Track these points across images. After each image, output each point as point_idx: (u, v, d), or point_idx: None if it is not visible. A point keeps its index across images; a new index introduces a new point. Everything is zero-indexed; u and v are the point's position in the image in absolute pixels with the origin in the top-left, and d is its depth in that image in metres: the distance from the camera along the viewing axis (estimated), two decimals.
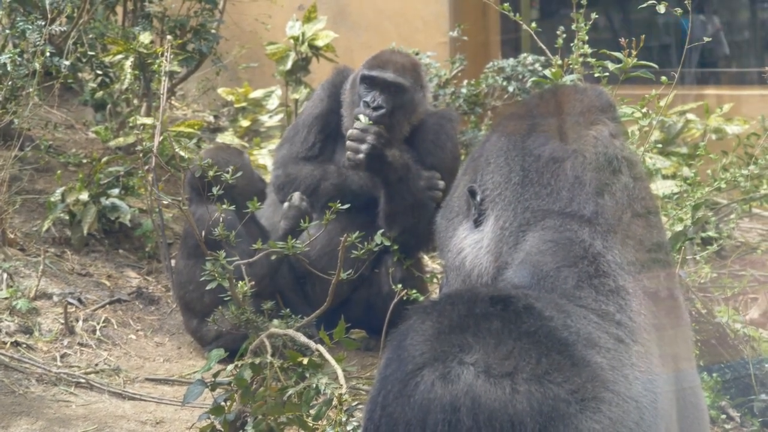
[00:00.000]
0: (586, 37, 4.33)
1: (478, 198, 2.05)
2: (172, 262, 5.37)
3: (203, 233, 4.54)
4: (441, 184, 5.22)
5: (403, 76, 5.21)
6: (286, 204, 5.17)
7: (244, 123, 7.30)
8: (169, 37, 6.10)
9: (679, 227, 4.71)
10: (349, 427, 3.45)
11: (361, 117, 5.07)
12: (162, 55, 5.86)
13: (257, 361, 3.83)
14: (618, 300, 1.85)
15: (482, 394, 1.64)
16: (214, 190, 4.32)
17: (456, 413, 1.64)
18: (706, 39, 4.29)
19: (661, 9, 4.09)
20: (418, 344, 1.71)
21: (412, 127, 5.30)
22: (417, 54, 7.55)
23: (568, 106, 2.04)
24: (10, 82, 5.58)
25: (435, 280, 5.46)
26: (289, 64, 7.53)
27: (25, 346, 4.85)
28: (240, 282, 4.25)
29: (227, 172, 4.35)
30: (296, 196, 5.16)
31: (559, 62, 4.45)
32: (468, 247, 2.05)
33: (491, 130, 2.15)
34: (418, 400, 1.67)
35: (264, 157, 6.72)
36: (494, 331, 1.69)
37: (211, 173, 4.36)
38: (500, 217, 2.00)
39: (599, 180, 1.96)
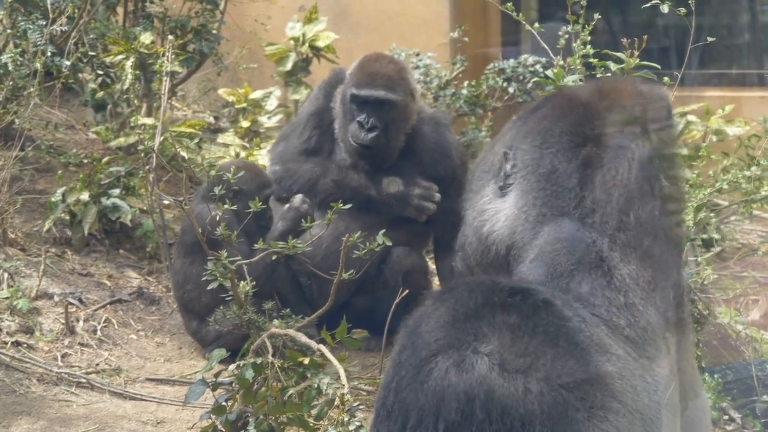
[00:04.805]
0: (589, 38, 4.33)
1: (508, 167, 2.02)
2: (173, 261, 5.37)
3: (203, 232, 4.53)
4: (437, 197, 5.25)
5: (393, 92, 5.19)
6: (286, 206, 5.17)
7: (245, 124, 7.29)
8: (170, 37, 6.09)
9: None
10: (351, 427, 3.44)
11: None
12: (163, 55, 5.85)
13: (259, 361, 3.83)
14: (628, 315, 1.82)
15: (496, 388, 1.63)
16: (216, 189, 4.31)
17: (470, 404, 1.63)
18: (709, 39, 4.29)
19: (665, 9, 4.09)
20: (432, 330, 1.69)
21: (406, 134, 5.31)
22: (417, 55, 7.56)
23: (621, 109, 1.96)
24: (11, 82, 5.58)
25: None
26: (289, 65, 7.54)
27: (25, 345, 4.84)
28: (242, 282, 4.24)
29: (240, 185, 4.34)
30: (298, 198, 5.17)
31: (561, 63, 4.44)
32: (488, 212, 2.02)
33: (549, 99, 2.06)
34: (431, 387, 1.65)
35: (264, 158, 6.71)
36: (511, 324, 1.67)
37: (230, 177, 4.33)
38: (521, 198, 1.97)
39: (627, 198, 1.91)
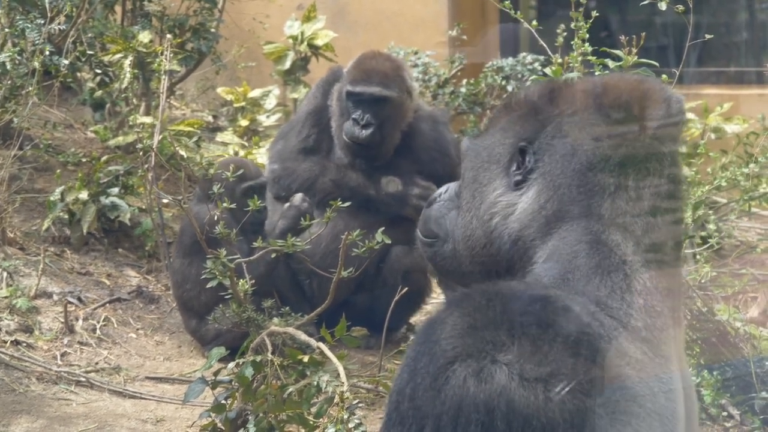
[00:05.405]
0: (587, 35, 4.32)
1: (528, 163, 1.97)
2: (172, 260, 5.37)
3: (201, 231, 4.53)
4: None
5: (388, 88, 5.20)
6: (286, 204, 5.18)
7: (243, 122, 7.29)
8: (168, 36, 6.09)
9: None
10: (351, 425, 3.44)
11: None
12: (161, 54, 5.85)
13: (258, 359, 3.82)
14: (645, 317, 1.81)
15: (517, 398, 1.61)
16: (215, 188, 4.31)
17: (490, 415, 1.61)
18: (707, 36, 4.29)
19: (663, 6, 4.09)
20: (450, 338, 1.66)
21: (403, 132, 5.32)
22: (416, 53, 7.56)
23: (652, 111, 1.93)
24: (9, 81, 5.57)
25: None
26: (287, 64, 7.54)
27: (25, 344, 4.85)
28: (241, 280, 4.24)
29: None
30: (298, 197, 5.17)
31: (560, 60, 4.44)
32: (500, 204, 1.99)
33: (562, 90, 2.01)
34: (449, 396, 1.64)
35: (263, 156, 6.72)
36: (530, 332, 1.65)
37: (229, 174, 4.33)
38: (543, 194, 1.93)
39: (657, 201, 1.90)
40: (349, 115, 5.20)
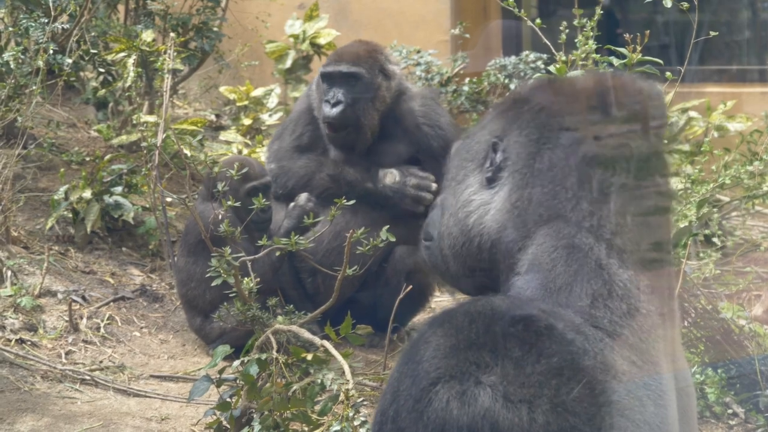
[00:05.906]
0: (591, 33, 4.33)
1: (498, 159, 1.94)
2: (176, 259, 5.38)
3: (206, 230, 4.53)
4: (433, 186, 5.22)
5: (357, 65, 5.21)
6: (291, 204, 5.18)
7: (247, 121, 7.30)
8: (171, 35, 6.09)
9: (683, 224, 4.72)
10: (356, 422, 3.44)
11: None
12: (164, 52, 5.85)
13: (263, 357, 3.83)
14: (631, 322, 1.78)
15: (501, 420, 1.60)
16: (219, 186, 4.31)
17: None
18: (711, 34, 4.29)
19: (668, 3, 4.09)
20: (432, 359, 1.65)
21: (392, 116, 5.29)
22: (418, 52, 7.56)
23: (626, 106, 1.89)
24: (13, 80, 5.58)
25: None
26: (288, 63, 7.55)
27: (29, 343, 4.85)
28: (245, 278, 4.24)
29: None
30: (303, 197, 5.17)
31: (564, 58, 4.44)
32: (474, 203, 1.96)
33: (540, 89, 1.97)
34: (432, 418, 1.62)
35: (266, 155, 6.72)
36: (513, 353, 1.64)
37: (233, 172, 4.33)
38: (514, 193, 1.90)
39: (624, 199, 1.85)
40: (323, 98, 5.21)
